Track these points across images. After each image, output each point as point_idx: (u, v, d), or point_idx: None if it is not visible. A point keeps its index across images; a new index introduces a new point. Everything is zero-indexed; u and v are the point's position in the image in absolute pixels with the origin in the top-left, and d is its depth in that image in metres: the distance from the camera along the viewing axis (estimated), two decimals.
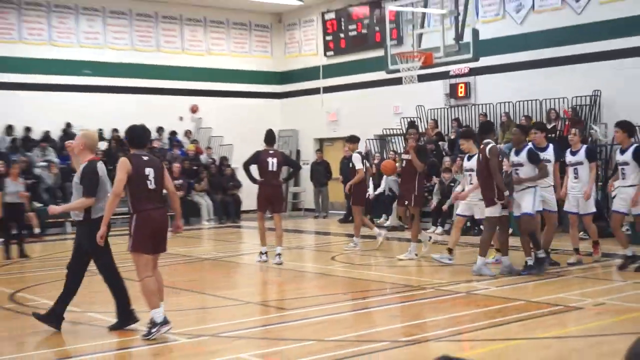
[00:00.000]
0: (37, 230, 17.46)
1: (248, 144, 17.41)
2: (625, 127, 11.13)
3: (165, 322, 7.54)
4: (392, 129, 21.70)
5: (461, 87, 20.81)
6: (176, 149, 23.25)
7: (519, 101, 19.20)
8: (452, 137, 19.87)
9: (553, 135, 16.18)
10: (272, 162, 13.00)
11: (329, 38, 24.60)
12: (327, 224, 20.60)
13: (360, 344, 7.14)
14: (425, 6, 15.84)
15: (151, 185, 7.67)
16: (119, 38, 23.48)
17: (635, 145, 10.98)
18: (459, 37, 14.84)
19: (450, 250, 11.98)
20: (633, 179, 10.78)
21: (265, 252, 13.17)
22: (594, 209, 11.69)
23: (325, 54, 24.82)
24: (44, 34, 22.24)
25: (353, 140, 15.05)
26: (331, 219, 21.49)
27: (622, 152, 11.02)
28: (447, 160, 18.44)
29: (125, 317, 7.93)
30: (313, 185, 23.41)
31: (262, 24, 26.17)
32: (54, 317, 7.93)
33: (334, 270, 12.17)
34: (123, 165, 7.55)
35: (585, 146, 11.65)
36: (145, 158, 7.78)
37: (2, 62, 21.31)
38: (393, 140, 21.90)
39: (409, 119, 20.39)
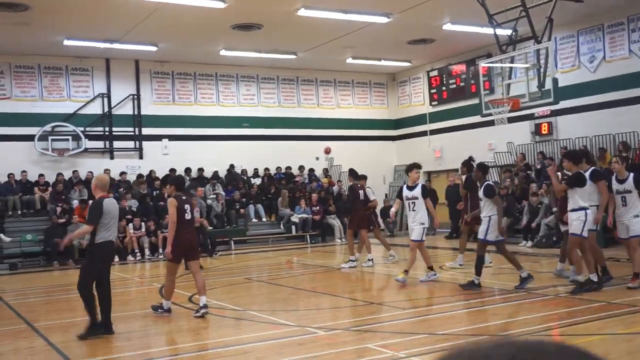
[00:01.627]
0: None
1: (371, 178, 17.33)
2: (570, 157, 9.56)
3: (205, 306, 8.56)
4: (487, 161, 21.01)
5: (544, 126, 20.01)
6: (314, 183, 23.51)
7: (595, 135, 18.27)
8: (538, 167, 19.12)
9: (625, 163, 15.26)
10: (361, 193, 14.00)
11: (433, 91, 24.28)
12: (435, 239, 20.10)
13: (465, 338, 6.86)
14: (512, 62, 15.41)
15: (188, 216, 8.71)
16: (269, 98, 24.00)
17: (592, 168, 9.47)
18: (541, 85, 14.34)
19: (431, 268, 11.44)
20: (593, 200, 9.28)
21: (355, 260, 14.06)
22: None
23: (430, 104, 24.48)
24: (214, 97, 23.03)
25: (362, 177, 14.52)
26: (439, 235, 21.00)
27: None
28: (534, 186, 17.71)
29: (106, 327, 7.71)
30: None
31: (379, 82, 26.15)
32: (92, 329, 7.64)
33: (442, 277, 11.83)
34: (172, 203, 8.58)
35: (632, 174, 9.62)
36: (184, 197, 8.84)
37: (182, 120, 22.21)
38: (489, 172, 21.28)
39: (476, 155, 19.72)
